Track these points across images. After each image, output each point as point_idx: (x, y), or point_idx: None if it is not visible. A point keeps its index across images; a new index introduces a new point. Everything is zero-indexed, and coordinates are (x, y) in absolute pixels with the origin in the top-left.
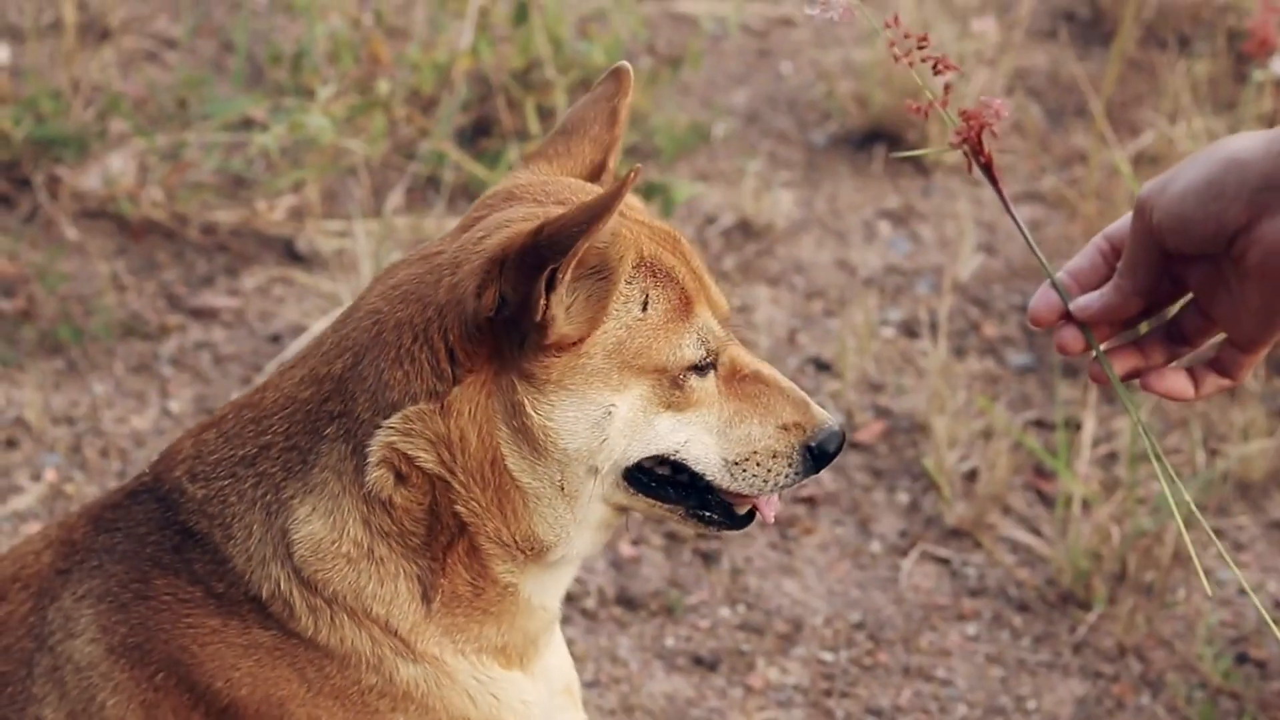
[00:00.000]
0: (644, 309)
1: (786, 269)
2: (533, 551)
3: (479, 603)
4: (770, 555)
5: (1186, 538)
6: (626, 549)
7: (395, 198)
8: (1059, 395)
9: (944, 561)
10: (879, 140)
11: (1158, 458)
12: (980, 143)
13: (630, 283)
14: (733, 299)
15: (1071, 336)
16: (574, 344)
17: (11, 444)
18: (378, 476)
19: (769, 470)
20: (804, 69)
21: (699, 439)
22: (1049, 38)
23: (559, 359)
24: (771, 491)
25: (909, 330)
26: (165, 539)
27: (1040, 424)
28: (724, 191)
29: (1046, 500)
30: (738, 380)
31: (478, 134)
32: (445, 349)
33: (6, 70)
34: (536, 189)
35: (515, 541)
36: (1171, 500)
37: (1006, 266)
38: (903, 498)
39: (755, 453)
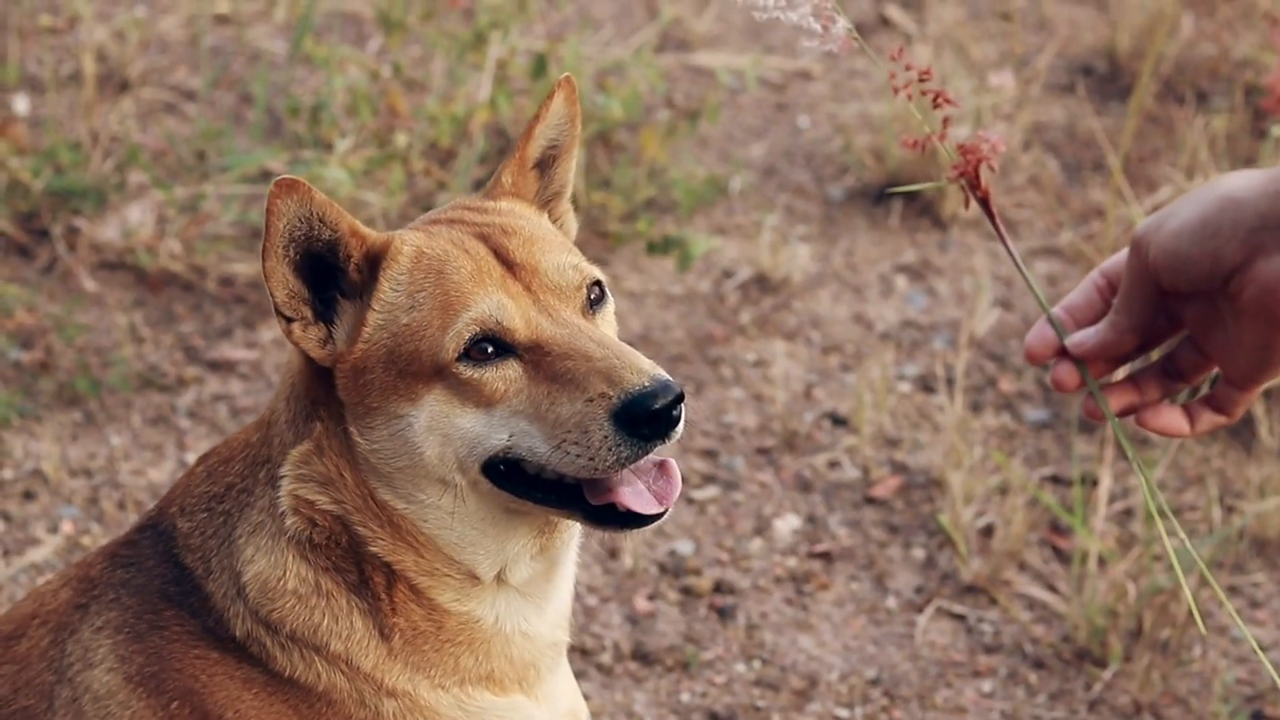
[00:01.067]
0: (410, 311)
1: (803, 323)
2: (462, 575)
3: (444, 635)
4: (786, 611)
5: (1188, 593)
6: (642, 604)
7: None
8: (1075, 451)
9: (960, 618)
10: (896, 195)
11: (1161, 512)
12: (978, 177)
13: (397, 289)
14: (747, 352)
15: (1067, 372)
16: (348, 360)
17: (29, 496)
18: (293, 521)
19: (586, 447)
20: (821, 123)
21: (522, 429)
22: (1067, 92)
23: (347, 377)
24: (610, 469)
25: (925, 385)
26: (168, 572)
27: (1057, 480)
28: (741, 245)
29: (1062, 556)
30: (548, 361)
31: None
32: (305, 388)
33: (26, 121)
34: (431, 216)
35: (437, 570)
36: (1174, 555)
37: (1023, 322)
38: (919, 553)
39: (569, 431)
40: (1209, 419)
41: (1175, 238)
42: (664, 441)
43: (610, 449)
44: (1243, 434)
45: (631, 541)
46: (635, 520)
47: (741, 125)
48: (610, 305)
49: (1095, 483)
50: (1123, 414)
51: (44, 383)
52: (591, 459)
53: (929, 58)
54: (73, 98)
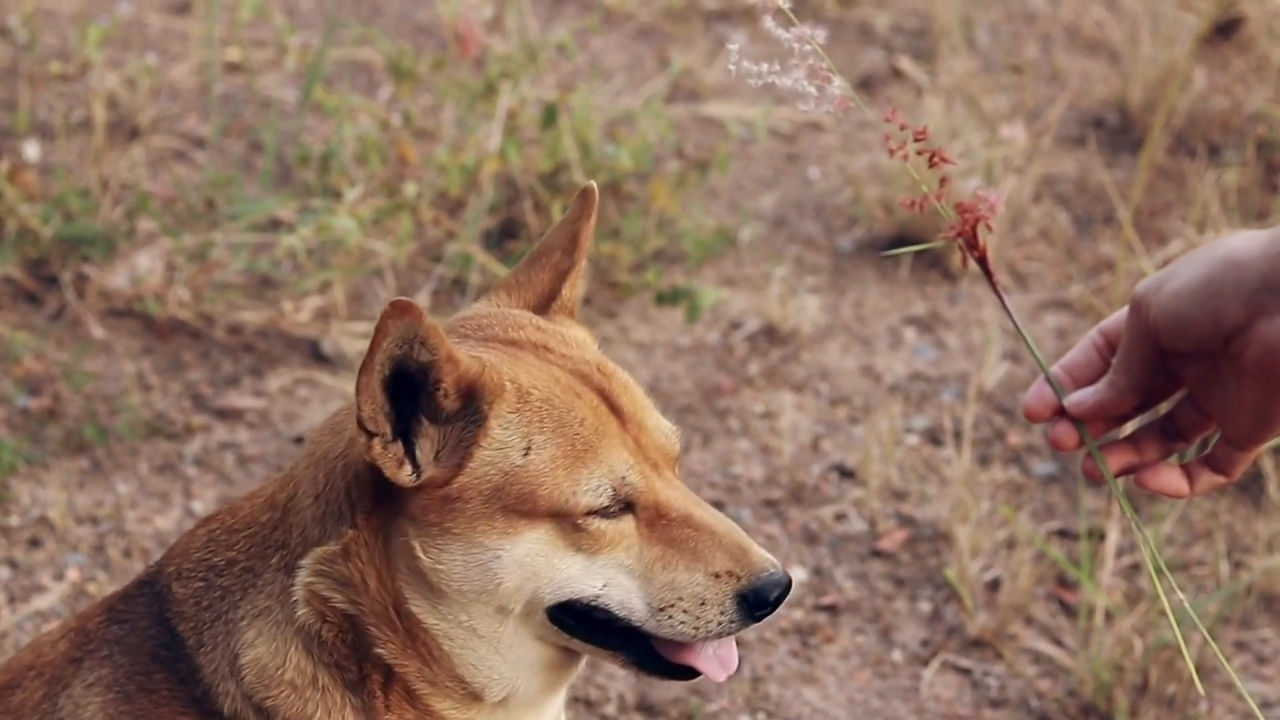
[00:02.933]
0: (525, 454)
1: (811, 375)
2: (466, 693)
3: None
4: (791, 663)
5: (1188, 656)
6: None
7: (422, 300)
8: (1083, 505)
9: (965, 671)
10: (905, 246)
11: (1159, 570)
12: (975, 236)
13: (507, 427)
14: (755, 403)
15: (1065, 432)
16: (443, 486)
17: (35, 543)
18: (304, 613)
19: (697, 618)
20: (831, 174)
21: (618, 582)
22: (1078, 145)
23: (433, 501)
24: (705, 640)
25: (933, 438)
26: (161, 634)
27: (1064, 534)
28: (750, 297)
29: (1069, 611)
30: (664, 524)
31: (505, 236)
32: (345, 490)
33: (35, 168)
34: (481, 323)
35: (441, 683)
36: (1171, 615)
37: (1032, 375)
38: (925, 606)
39: (681, 599)
40: (1208, 479)
41: (1176, 298)
42: (761, 622)
43: (720, 623)
44: (1251, 489)
45: None
46: (686, 674)
47: (751, 176)
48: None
49: (1102, 537)
50: (1121, 473)
51: (51, 430)
52: (696, 629)
53: (940, 110)
54: (83, 145)
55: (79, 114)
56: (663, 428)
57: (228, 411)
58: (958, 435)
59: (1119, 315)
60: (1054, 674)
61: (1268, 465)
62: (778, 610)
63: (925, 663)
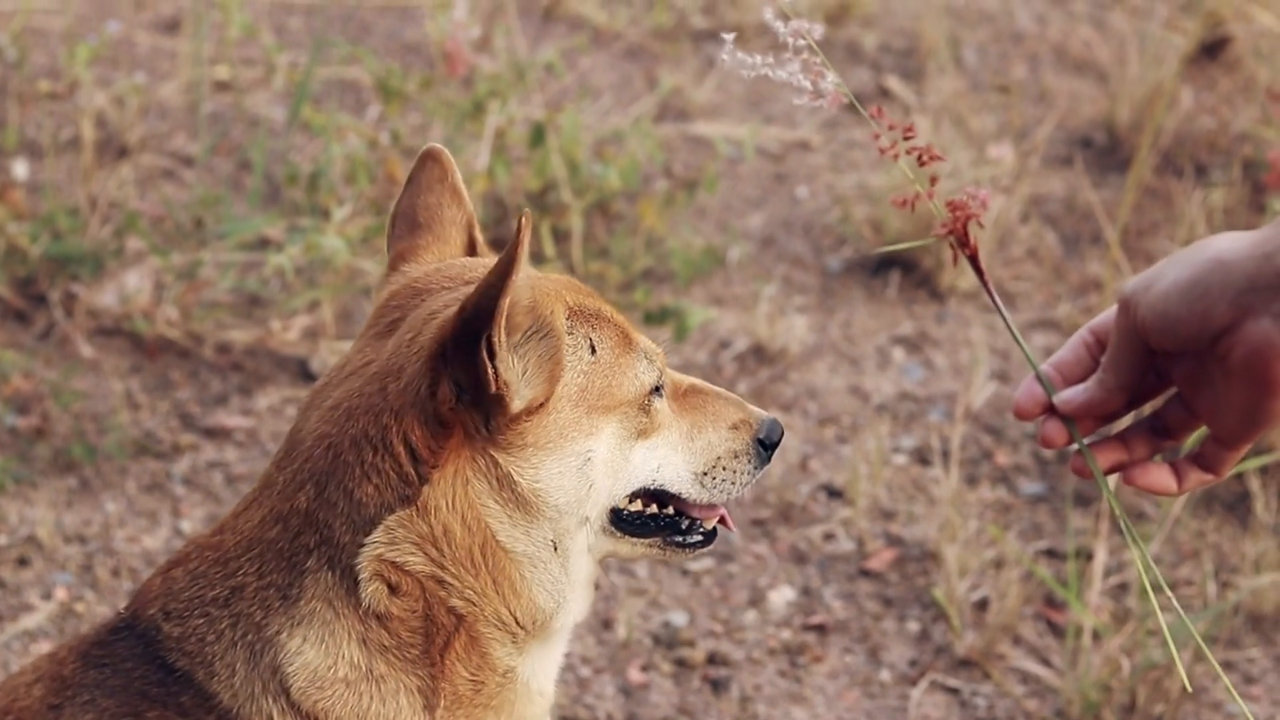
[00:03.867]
0: (592, 351)
1: (800, 394)
2: (535, 625)
3: (479, 699)
4: (780, 683)
5: (1181, 668)
6: (635, 675)
7: None
8: (1071, 525)
9: (954, 691)
10: (893, 266)
11: (1156, 587)
12: (966, 233)
13: (571, 333)
14: None
15: (1055, 430)
16: (541, 405)
17: (23, 562)
18: (372, 590)
19: (735, 472)
20: (819, 193)
21: (669, 460)
22: (1065, 165)
23: (530, 422)
24: (741, 492)
25: (921, 458)
26: (150, 673)
27: (1052, 554)
28: (738, 316)
29: (1057, 631)
30: (682, 395)
31: None
32: (408, 453)
33: (24, 186)
34: (439, 277)
35: (517, 619)
36: (1168, 630)
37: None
38: (913, 626)
39: (719, 458)
40: (1196, 477)
41: (1164, 298)
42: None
43: (749, 472)
44: (1238, 510)
45: (626, 612)
46: (708, 539)
47: (740, 195)
48: None
49: (1090, 557)
50: (1110, 471)
51: (39, 448)
52: (733, 482)
53: (928, 129)
54: (71, 163)
55: (68, 132)
56: None
57: (216, 430)
58: (945, 455)
59: (1108, 314)
60: (1042, 694)
61: (1254, 485)
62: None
63: (913, 682)
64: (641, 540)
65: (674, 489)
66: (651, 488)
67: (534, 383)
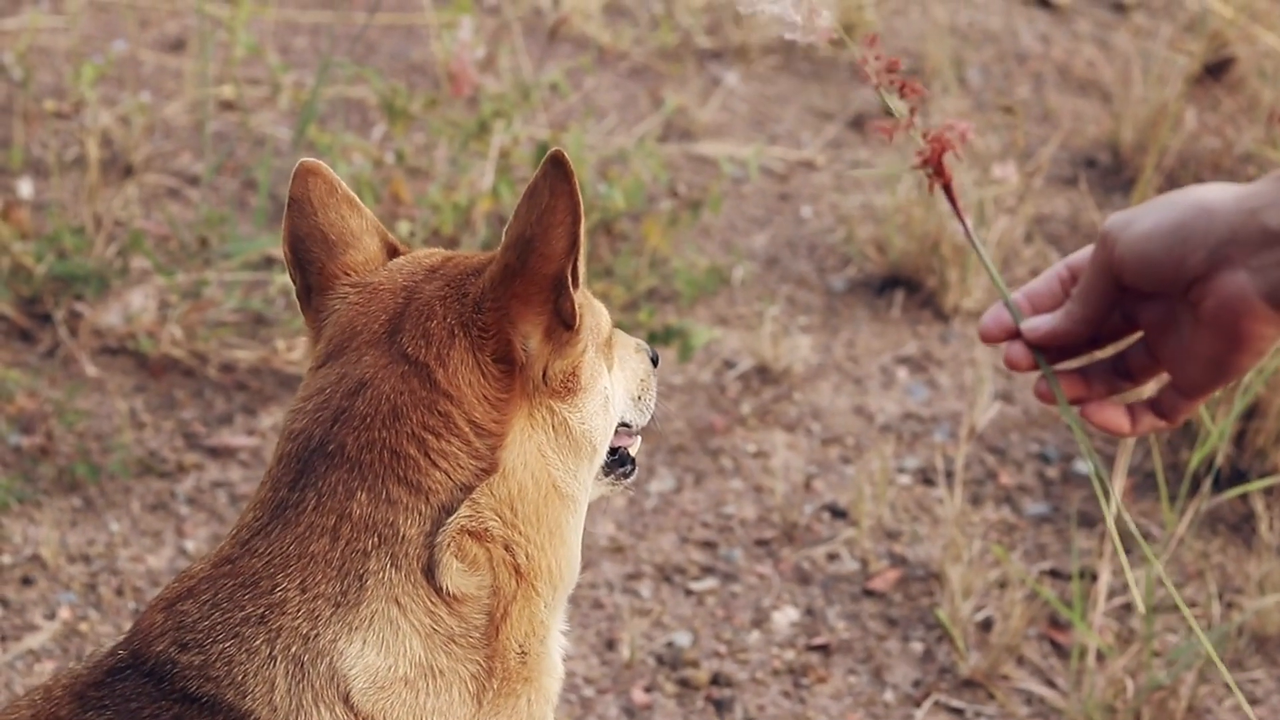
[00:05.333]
0: (585, 294)
1: (804, 414)
2: (570, 573)
3: (524, 670)
4: (783, 704)
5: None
6: (639, 695)
7: None
8: (1075, 546)
9: (958, 712)
10: (898, 286)
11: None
12: (942, 165)
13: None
14: (747, 443)
15: (1019, 353)
16: (579, 347)
17: (27, 581)
18: (454, 571)
19: (650, 392)
20: (824, 213)
21: (618, 392)
22: (1069, 184)
23: (573, 364)
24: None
25: (925, 478)
26: (162, 709)
27: (1056, 574)
28: (742, 336)
29: (1061, 652)
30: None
31: None
32: (471, 428)
33: (29, 205)
34: (405, 274)
35: (561, 569)
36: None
37: (1024, 415)
38: (917, 647)
39: (641, 380)
40: (1150, 422)
41: (1144, 238)
42: None
43: (654, 393)
44: (1243, 530)
45: (629, 632)
46: (634, 465)
47: (744, 215)
48: None
49: (1094, 578)
50: (1069, 404)
51: (44, 468)
52: (651, 403)
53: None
54: (76, 182)
55: (73, 151)
56: None
57: (220, 450)
58: (950, 475)
59: (1086, 249)
60: (1046, 715)
61: (1259, 506)
62: None
63: (918, 703)
64: (605, 479)
65: (626, 417)
66: (624, 419)
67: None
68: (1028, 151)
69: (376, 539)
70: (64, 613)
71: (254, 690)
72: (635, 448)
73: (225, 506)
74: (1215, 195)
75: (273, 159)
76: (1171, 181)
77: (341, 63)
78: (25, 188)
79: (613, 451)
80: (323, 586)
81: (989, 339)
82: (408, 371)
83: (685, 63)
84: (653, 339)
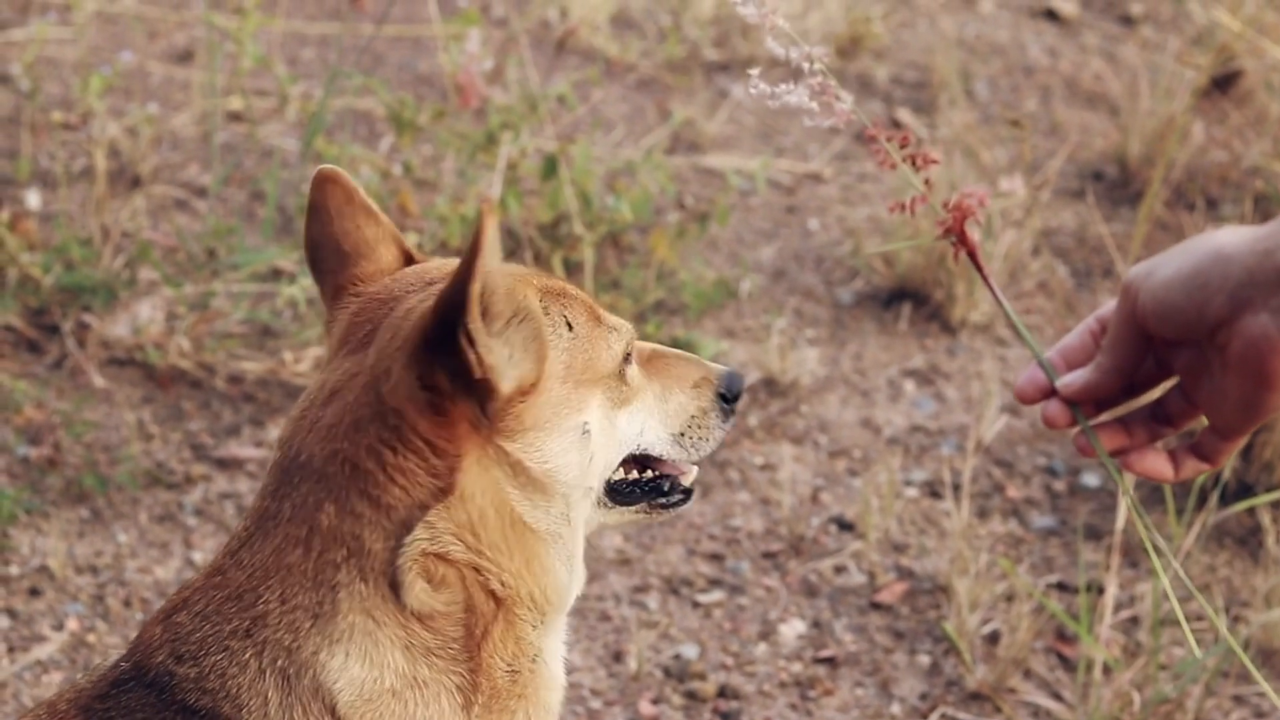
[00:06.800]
0: (569, 328)
1: (811, 427)
2: (559, 599)
3: (515, 688)
4: (791, 716)
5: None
6: (646, 708)
7: None
8: (1082, 558)
9: None
10: (905, 299)
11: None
12: (964, 232)
13: (549, 312)
14: (755, 455)
15: (1057, 410)
16: (533, 386)
17: (35, 592)
18: (418, 591)
19: (706, 428)
20: (831, 226)
21: (649, 425)
22: (1077, 197)
23: (525, 404)
24: (714, 448)
25: (932, 491)
26: (169, 718)
27: (1063, 587)
28: (749, 348)
29: (1068, 664)
30: (647, 361)
31: None
32: (426, 446)
33: (37, 216)
34: (402, 284)
35: (546, 595)
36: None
37: (1031, 428)
38: (924, 660)
39: (692, 416)
40: (1193, 466)
41: (1165, 287)
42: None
43: (720, 427)
44: (1249, 544)
45: (637, 645)
46: (687, 496)
47: (751, 228)
48: None
49: (1101, 590)
50: (1110, 455)
51: (51, 479)
52: (706, 439)
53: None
54: (84, 193)
55: (80, 163)
56: None
57: (228, 461)
58: (957, 488)
59: (1113, 303)
60: None
61: (1266, 519)
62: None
63: (924, 716)
64: (629, 508)
65: (656, 451)
66: (637, 452)
67: (521, 365)
68: (1035, 164)
69: (345, 551)
70: (72, 624)
71: (249, 703)
72: (690, 477)
73: (232, 518)
74: (1230, 239)
75: (280, 170)
76: (1178, 194)
77: (349, 74)
78: (33, 199)
79: (652, 477)
80: (300, 598)
81: (1027, 401)
82: (369, 383)
83: (693, 75)
84: None
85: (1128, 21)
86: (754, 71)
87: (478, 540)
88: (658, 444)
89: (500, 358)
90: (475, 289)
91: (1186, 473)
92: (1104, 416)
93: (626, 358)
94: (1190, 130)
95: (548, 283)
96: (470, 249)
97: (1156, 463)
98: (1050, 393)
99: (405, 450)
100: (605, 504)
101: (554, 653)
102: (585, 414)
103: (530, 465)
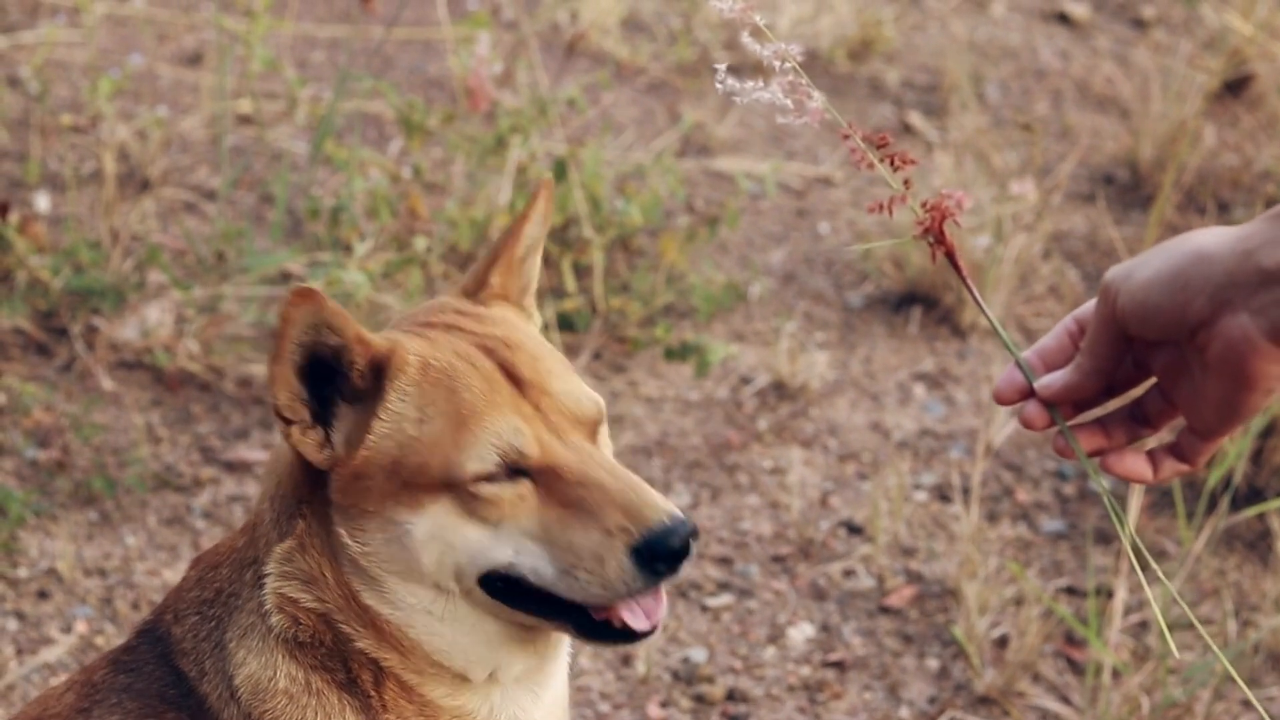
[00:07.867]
0: (420, 425)
1: (820, 431)
2: (453, 677)
3: None
4: None
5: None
6: (655, 711)
7: None
8: (1091, 563)
9: None
10: (915, 302)
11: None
12: (943, 232)
13: (405, 399)
14: (764, 459)
15: (1035, 412)
16: (350, 464)
17: (43, 595)
18: (279, 619)
19: (601, 577)
20: (841, 229)
21: (526, 548)
22: (1087, 201)
23: (347, 481)
24: (618, 599)
25: (942, 494)
26: (166, 675)
27: (1072, 591)
28: (759, 352)
29: (1077, 669)
30: (560, 486)
31: None
32: (292, 487)
33: (46, 219)
34: (408, 315)
35: (425, 671)
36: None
37: (1041, 432)
38: (933, 663)
39: (581, 558)
40: (1171, 467)
41: (1144, 288)
42: (675, 576)
43: (625, 582)
44: (1259, 548)
45: (645, 648)
46: (626, 636)
47: (761, 231)
48: (605, 425)
49: (1110, 595)
50: (1089, 455)
51: (60, 481)
52: (604, 588)
53: (950, 165)
54: (93, 196)
55: (90, 166)
56: (572, 392)
57: (237, 464)
58: (966, 492)
59: (1091, 303)
60: None
61: (1275, 524)
62: (684, 567)
63: None
64: (545, 620)
65: (534, 579)
66: (510, 574)
67: (352, 441)
68: (1046, 168)
69: (253, 550)
70: (80, 626)
71: (208, 672)
72: (636, 620)
73: (241, 520)
74: (1211, 240)
75: (290, 173)
76: (1190, 198)
77: (359, 77)
78: (42, 202)
79: (580, 608)
80: (234, 584)
81: (1004, 401)
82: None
83: (703, 78)
84: (669, 355)
85: (1140, 25)
86: (720, 66)
87: (324, 597)
88: (538, 573)
89: (308, 440)
90: (276, 370)
91: (1165, 474)
92: (1082, 417)
93: (492, 477)
94: (1201, 134)
95: (451, 365)
96: (275, 346)
97: (1135, 464)
98: (1029, 394)
99: (284, 476)
100: (499, 605)
101: (506, 710)
102: (415, 515)
103: (349, 544)
